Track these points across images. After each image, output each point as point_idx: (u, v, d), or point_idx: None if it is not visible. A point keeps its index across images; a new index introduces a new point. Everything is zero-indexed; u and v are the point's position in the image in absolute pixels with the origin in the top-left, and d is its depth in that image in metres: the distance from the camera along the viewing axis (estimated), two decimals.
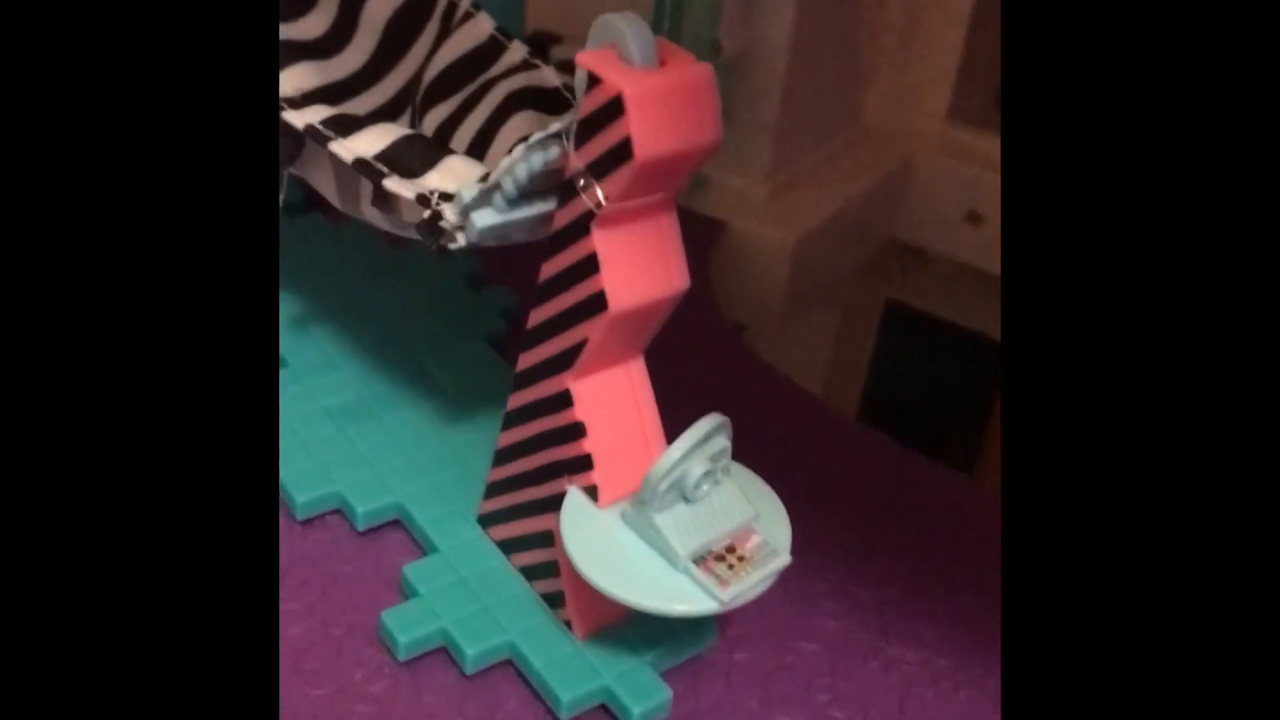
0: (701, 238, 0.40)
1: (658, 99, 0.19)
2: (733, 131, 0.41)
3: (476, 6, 0.29)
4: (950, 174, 0.44)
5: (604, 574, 0.22)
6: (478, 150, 0.26)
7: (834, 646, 0.26)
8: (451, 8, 0.29)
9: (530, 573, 0.26)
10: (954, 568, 0.29)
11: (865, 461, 0.32)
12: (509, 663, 0.25)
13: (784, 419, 0.33)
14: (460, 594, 0.26)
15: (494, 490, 0.26)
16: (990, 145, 0.44)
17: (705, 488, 0.23)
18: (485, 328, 0.33)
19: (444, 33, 0.29)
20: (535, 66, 0.26)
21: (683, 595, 0.22)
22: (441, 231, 0.22)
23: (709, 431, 0.22)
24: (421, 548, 0.27)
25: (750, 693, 0.25)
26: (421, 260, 0.35)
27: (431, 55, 0.29)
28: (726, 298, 0.41)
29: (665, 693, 0.24)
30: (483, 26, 0.29)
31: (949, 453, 0.48)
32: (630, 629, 0.25)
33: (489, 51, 0.28)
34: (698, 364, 0.34)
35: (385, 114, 0.29)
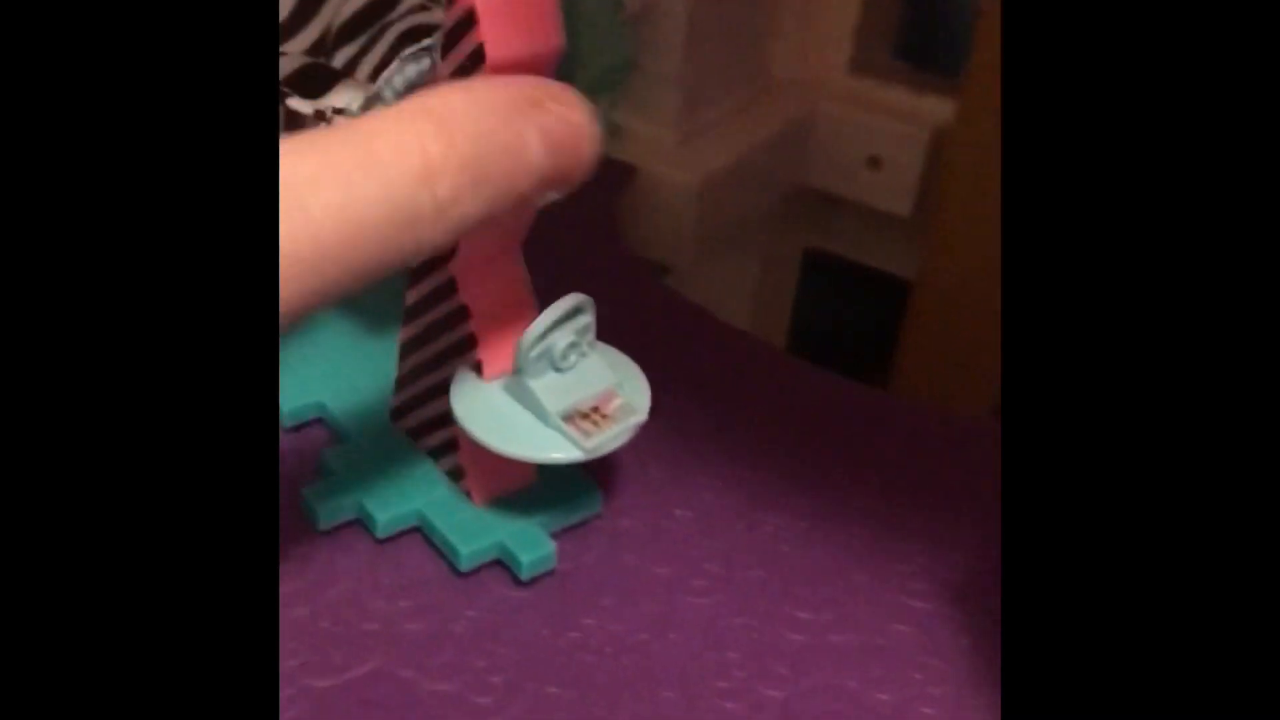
0: (614, 181, 0.44)
1: (503, 11, 0.23)
2: (641, 81, 0.45)
3: None
4: (852, 122, 0.48)
5: (489, 433, 0.26)
6: (375, 79, 0.29)
7: (708, 514, 0.30)
8: None
9: (435, 453, 0.29)
10: (823, 452, 0.32)
11: (754, 372, 0.35)
12: (417, 530, 0.28)
13: (702, 346, 0.36)
14: (372, 473, 0.29)
15: (400, 384, 0.30)
16: (887, 94, 0.48)
17: (573, 358, 0.26)
18: None
19: None
20: (427, 8, 0.30)
21: (554, 445, 0.25)
22: None
23: (572, 308, 0.26)
24: (341, 440, 0.31)
25: (631, 551, 0.29)
26: None
27: (340, 4, 0.32)
28: (643, 240, 0.45)
29: (550, 546, 0.27)
30: None
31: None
32: (523, 497, 0.29)
33: None
34: (616, 302, 0.37)
35: (306, 54, 0.32)
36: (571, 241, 0.39)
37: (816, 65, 0.48)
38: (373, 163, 0.19)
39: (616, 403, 0.26)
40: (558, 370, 0.26)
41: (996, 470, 0.31)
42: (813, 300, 0.53)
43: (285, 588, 0.27)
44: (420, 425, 0.29)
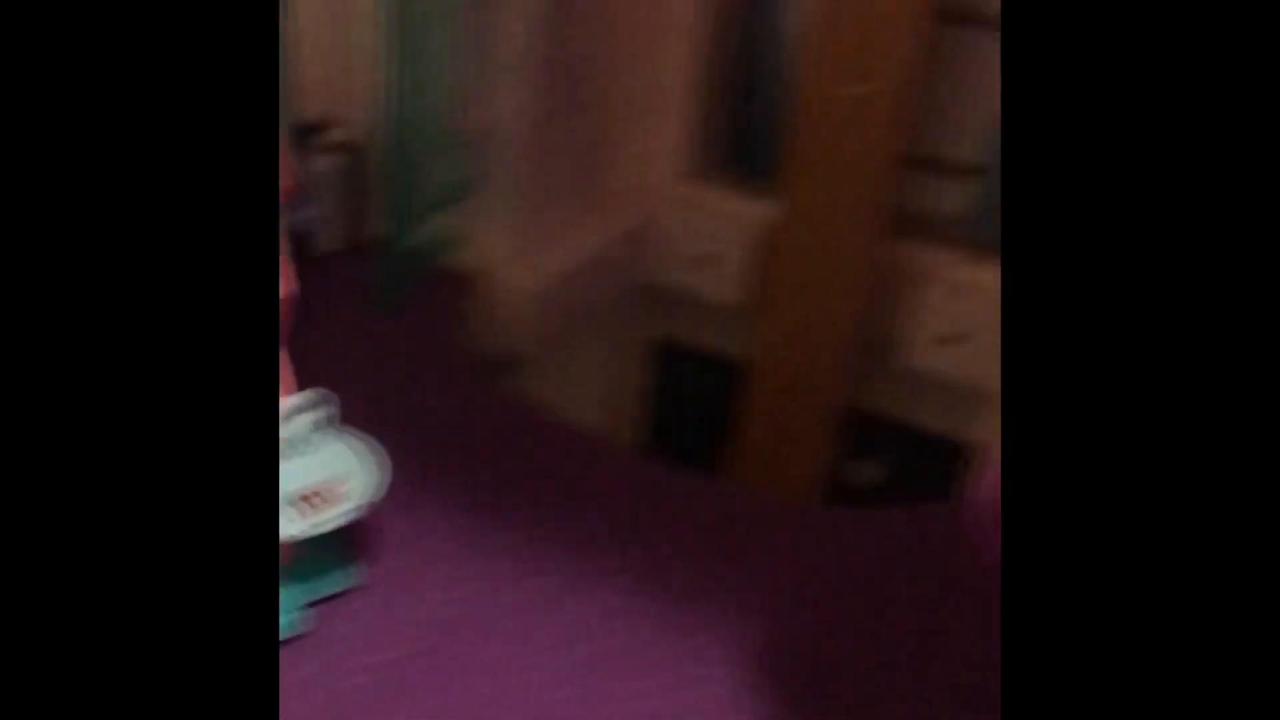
0: (458, 289, 0.48)
1: None
2: (486, 195, 0.50)
3: None
4: (684, 224, 0.53)
5: None
6: None
7: (541, 594, 0.33)
8: None
9: None
10: (651, 535, 0.36)
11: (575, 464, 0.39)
12: None
13: (529, 440, 0.40)
14: None
15: None
16: (715, 198, 0.53)
17: (312, 445, 0.30)
18: None
19: None
20: None
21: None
22: None
23: (308, 401, 0.30)
24: None
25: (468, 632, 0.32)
26: None
27: None
28: (490, 342, 0.49)
29: (300, 610, 0.31)
30: None
31: (702, 462, 0.55)
32: (284, 571, 0.32)
33: None
34: (453, 402, 0.41)
35: None
36: (417, 344, 0.43)
37: (650, 173, 0.53)
38: None
39: (342, 488, 0.30)
40: (300, 455, 0.30)
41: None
42: (659, 385, 0.57)
43: None
44: None
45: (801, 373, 0.51)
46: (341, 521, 0.30)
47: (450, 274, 0.48)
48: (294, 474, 0.30)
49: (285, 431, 0.30)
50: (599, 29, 0.49)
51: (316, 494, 0.30)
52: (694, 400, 0.57)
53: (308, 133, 0.47)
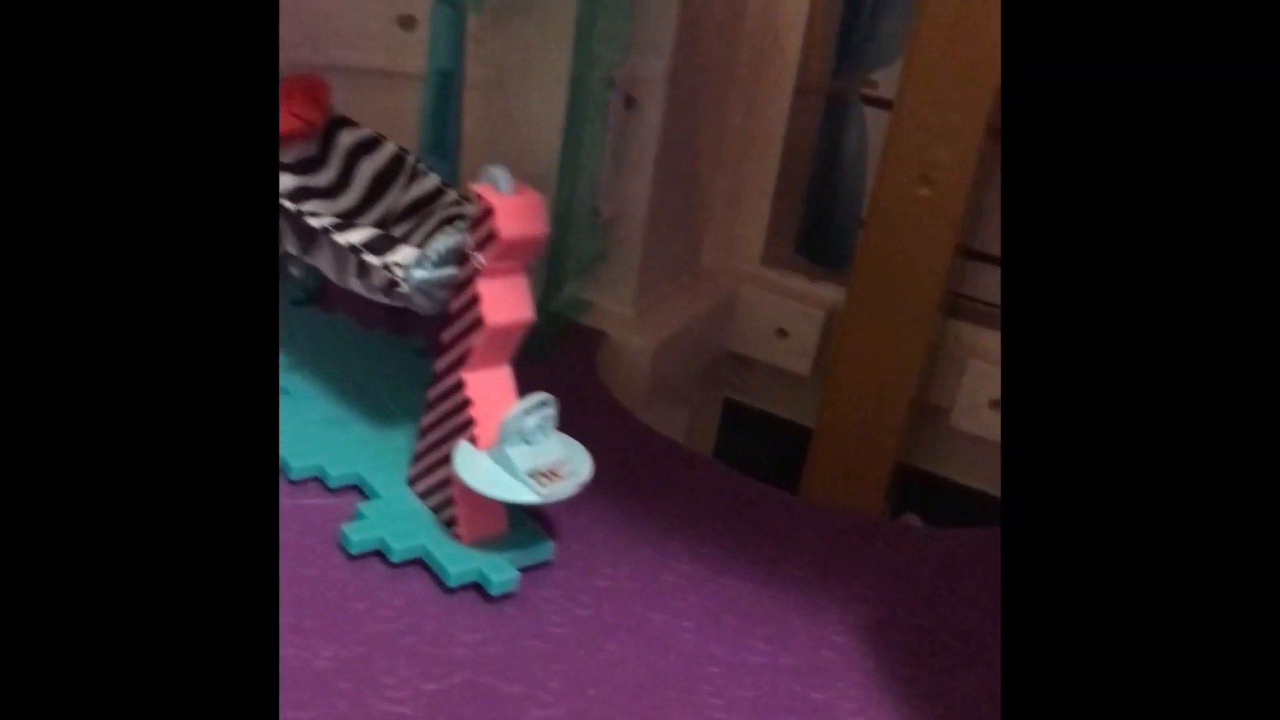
0: (589, 344, 0.57)
1: (510, 208, 0.37)
2: (608, 268, 0.59)
3: (428, 168, 0.46)
4: (763, 302, 0.62)
5: (479, 481, 0.38)
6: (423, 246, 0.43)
7: (686, 574, 0.42)
8: (414, 170, 0.47)
9: (436, 509, 0.41)
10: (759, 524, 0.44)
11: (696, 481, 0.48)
12: (420, 561, 0.40)
13: (663, 462, 0.49)
14: (391, 519, 0.41)
15: (417, 457, 0.42)
16: (792, 281, 0.62)
17: (539, 436, 0.38)
18: (421, 374, 0.50)
19: (408, 183, 0.47)
20: (461, 204, 0.44)
21: (520, 492, 0.37)
22: (395, 285, 0.39)
23: (539, 402, 0.38)
24: (371, 498, 0.43)
25: (639, 602, 0.40)
26: (385, 340, 0.52)
27: (399, 197, 0.46)
28: (613, 387, 0.58)
29: (514, 572, 0.39)
30: (432, 180, 0.46)
31: None
32: (499, 540, 0.40)
33: (434, 195, 0.46)
34: (599, 430, 0.49)
35: (374, 226, 0.46)
36: (562, 384, 0.52)
37: (737, 257, 0.63)
38: None
39: (567, 467, 0.38)
40: (528, 443, 0.38)
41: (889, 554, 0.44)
42: (730, 443, 0.66)
43: (315, 602, 0.38)
44: (428, 489, 0.41)
45: (860, 434, 0.60)
46: (572, 491, 0.38)
47: (583, 332, 0.57)
48: (529, 456, 0.38)
49: (522, 423, 0.38)
50: (707, 136, 0.60)
51: (551, 471, 0.38)
52: (759, 457, 0.66)
53: None
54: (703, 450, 0.68)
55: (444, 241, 0.38)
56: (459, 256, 0.38)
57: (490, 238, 0.37)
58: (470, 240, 0.37)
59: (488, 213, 0.37)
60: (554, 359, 0.54)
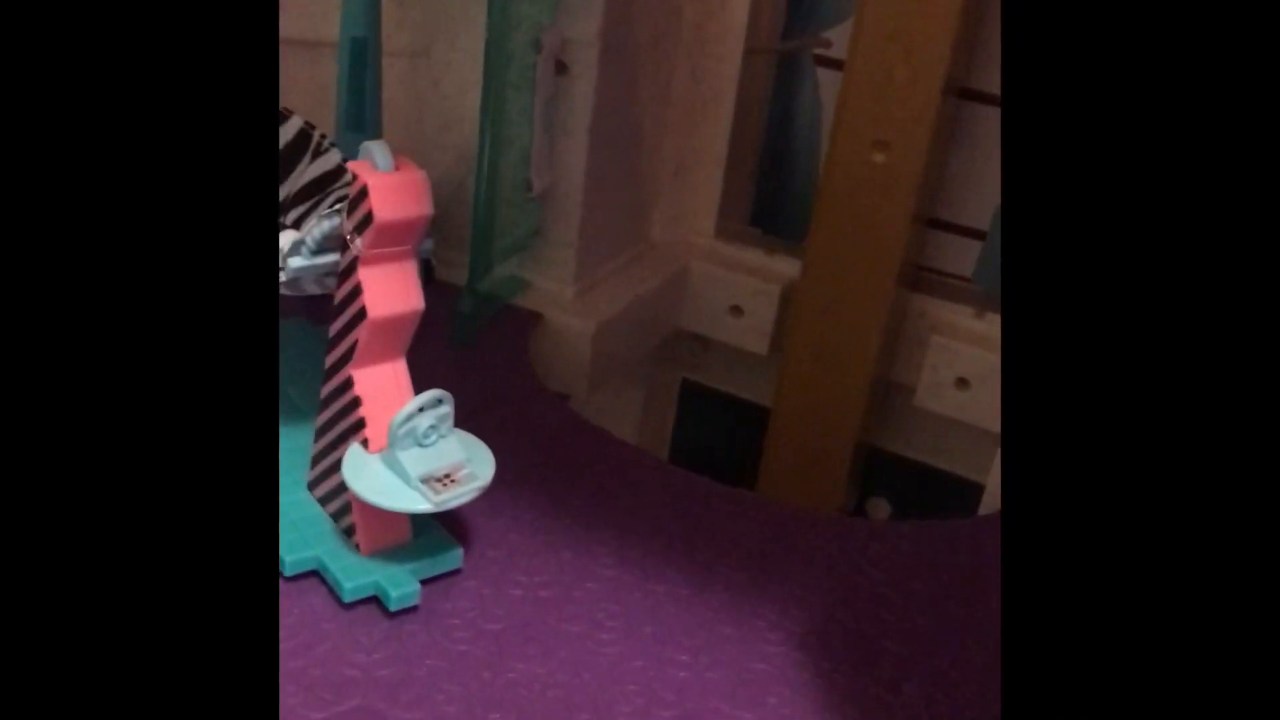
0: (524, 327, 0.54)
1: (387, 188, 0.33)
2: (545, 245, 0.55)
3: (331, 145, 0.43)
4: (716, 278, 0.58)
5: (367, 490, 0.34)
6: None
7: (609, 582, 0.38)
8: (318, 147, 0.43)
9: (335, 516, 0.38)
10: (696, 535, 0.41)
11: (640, 477, 0.44)
12: (315, 573, 0.37)
13: (597, 456, 0.45)
14: (287, 529, 0.37)
15: (315, 460, 0.39)
16: (745, 254, 0.59)
17: (433, 437, 0.35)
18: None
19: (311, 161, 0.43)
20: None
21: (410, 499, 0.34)
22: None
23: (434, 399, 0.35)
24: None
25: (550, 613, 0.37)
26: (297, 328, 0.49)
27: (300, 176, 0.42)
28: (546, 375, 0.54)
29: (415, 585, 0.36)
30: (334, 157, 0.43)
31: None
32: (399, 551, 0.37)
33: (334, 174, 0.42)
34: (527, 422, 0.46)
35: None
36: (491, 373, 0.48)
37: (687, 231, 0.59)
38: None
39: (464, 471, 0.35)
40: (421, 446, 0.35)
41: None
42: (688, 423, 0.63)
43: None
44: (326, 494, 0.38)
45: (820, 415, 0.57)
46: (467, 498, 0.34)
47: (517, 314, 0.54)
48: (422, 460, 0.35)
49: (413, 424, 0.35)
50: (648, 102, 0.56)
51: (446, 476, 0.34)
52: (719, 439, 0.63)
53: None
54: (660, 433, 0.64)
55: (320, 226, 0.34)
56: (341, 242, 0.35)
57: (366, 220, 0.33)
58: (346, 224, 0.34)
59: (363, 193, 0.33)
60: (483, 345, 0.51)
